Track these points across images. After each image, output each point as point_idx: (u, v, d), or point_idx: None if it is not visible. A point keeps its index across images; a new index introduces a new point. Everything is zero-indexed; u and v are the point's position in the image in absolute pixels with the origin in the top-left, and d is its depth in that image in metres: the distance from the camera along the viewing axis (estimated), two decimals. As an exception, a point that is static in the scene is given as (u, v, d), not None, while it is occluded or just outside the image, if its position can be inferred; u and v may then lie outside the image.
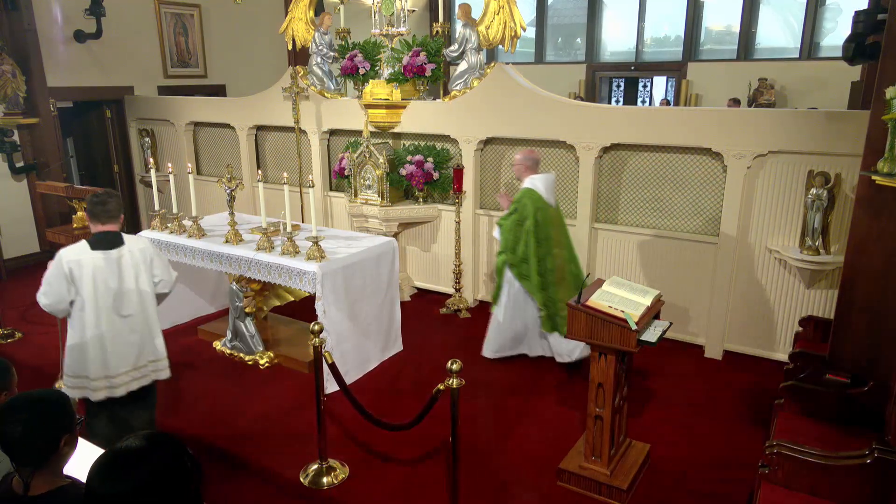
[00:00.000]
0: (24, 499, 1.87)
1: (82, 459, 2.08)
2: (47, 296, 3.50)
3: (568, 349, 4.92)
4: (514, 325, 5.06)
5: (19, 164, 7.79)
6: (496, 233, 5.00)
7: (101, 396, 3.60)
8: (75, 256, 3.47)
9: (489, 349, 5.25)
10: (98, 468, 1.50)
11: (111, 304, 3.53)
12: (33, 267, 7.80)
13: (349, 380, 4.74)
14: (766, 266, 5.07)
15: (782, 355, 4.90)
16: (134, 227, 8.80)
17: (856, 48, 3.91)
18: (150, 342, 3.73)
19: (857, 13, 3.95)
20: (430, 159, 6.24)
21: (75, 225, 6.13)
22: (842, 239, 4.57)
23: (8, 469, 2.11)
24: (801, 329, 4.54)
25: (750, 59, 12.09)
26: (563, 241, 4.95)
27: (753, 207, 5.03)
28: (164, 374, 3.82)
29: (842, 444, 3.19)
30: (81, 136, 9.31)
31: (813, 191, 4.66)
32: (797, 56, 11.66)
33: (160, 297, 3.81)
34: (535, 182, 4.78)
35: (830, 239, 4.72)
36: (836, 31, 11.26)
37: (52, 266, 3.50)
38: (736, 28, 12.17)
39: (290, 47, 7.30)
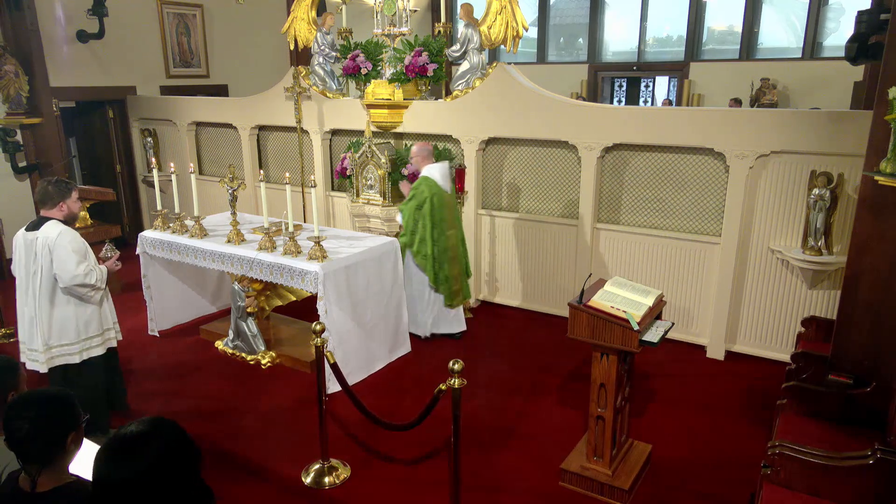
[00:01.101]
0: (32, 495, 1.90)
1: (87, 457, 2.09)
2: (13, 262, 4.00)
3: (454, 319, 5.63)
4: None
5: (22, 164, 7.80)
6: (399, 218, 5.43)
7: (23, 360, 3.94)
8: (18, 232, 3.95)
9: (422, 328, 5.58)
10: (103, 455, 1.54)
11: (24, 279, 3.91)
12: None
13: (354, 380, 4.75)
14: (769, 266, 5.07)
15: (784, 356, 4.89)
16: (136, 227, 8.81)
17: (858, 48, 3.90)
18: (39, 326, 3.86)
19: (860, 13, 3.94)
20: (432, 159, 6.24)
21: (77, 224, 6.13)
22: (844, 239, 4.57)
23: (14, 466, 2.13)
24: (803, 329, 4.54)
25: (752, 59, 12.07)
26: (456, 224, 5.51)
27: (756, 207, 5.03)
28: (41, 367, 3.91)
29: (844, 445, 3.18)
30: (84, 136, 9.32)
31: (815, 191, 4.65)
32: (800, 56, 11.64)
33: (80, 294, 3.87)
34: (432, 170, 5.34)
35: (833, 239, 4.71)
36: (839, 31, 11.24)
37: None
38: (738, 28, 12.15)
39: (292, 47, 7.31)
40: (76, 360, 3.96)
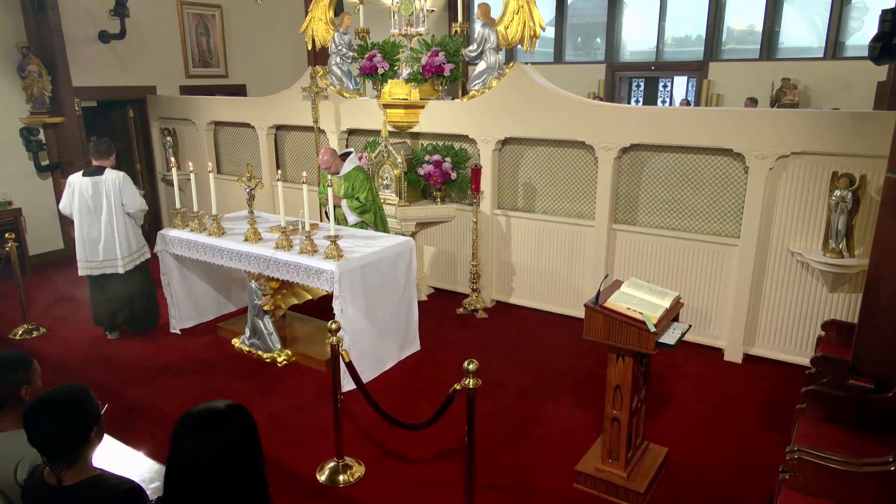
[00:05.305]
0: (59, 489, 1.93)
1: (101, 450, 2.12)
2: (62, 203, 5.43)
3: None
4: None
5: (45, 163, 7.94)
6: (353, 218, 5.68)
7: (86, 273, 5.44)
8: (72, 179, 5.36)
9: None
10: (184, 429, 1.61)
11: (91, 212, 5.32)
12: (57, 264, 7.94)
13: (365, 379, 4.75)
14: (788, 269, 5.01)
15: (804, 359, 4.83)
16: (156, 226, 8.90)
17: (882, 48, 3.83)
18: (113, 244, 5.37)
19: (885, 12, 3.87)
20: (448, 159, 6.24)
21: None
22: (866, 242, 4.50)
23: (28, 459, 2.17)
24: (823, 333, 4.47)
25: (773, 58, 11.92)
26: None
27: (775, 209, 4.97)
28: (119, 269, 5.44)
29: (864, 451, 3.13)
30: (105, 135, 9.40)
31: (837, 192, 4.58)
32: (821, 56, 11.47)
33: (135, 217, 5.49)
34: (355, 161, 5.73)
35: (854, 242, 4.64)
36: (862, 31, 11.06)
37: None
38: (758, 27, 12.00)
39: (309, 47, 7.36)
40: (139, 261, 5.56)
